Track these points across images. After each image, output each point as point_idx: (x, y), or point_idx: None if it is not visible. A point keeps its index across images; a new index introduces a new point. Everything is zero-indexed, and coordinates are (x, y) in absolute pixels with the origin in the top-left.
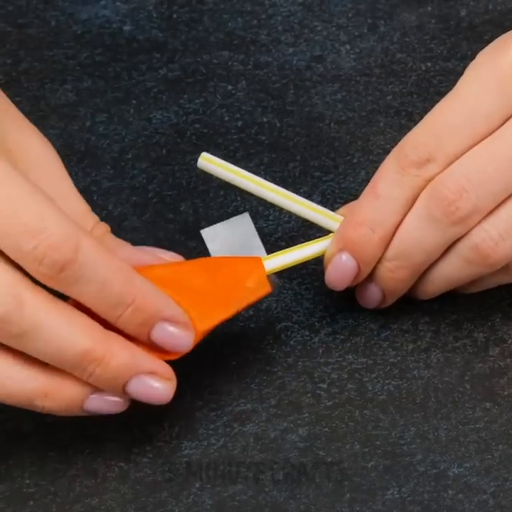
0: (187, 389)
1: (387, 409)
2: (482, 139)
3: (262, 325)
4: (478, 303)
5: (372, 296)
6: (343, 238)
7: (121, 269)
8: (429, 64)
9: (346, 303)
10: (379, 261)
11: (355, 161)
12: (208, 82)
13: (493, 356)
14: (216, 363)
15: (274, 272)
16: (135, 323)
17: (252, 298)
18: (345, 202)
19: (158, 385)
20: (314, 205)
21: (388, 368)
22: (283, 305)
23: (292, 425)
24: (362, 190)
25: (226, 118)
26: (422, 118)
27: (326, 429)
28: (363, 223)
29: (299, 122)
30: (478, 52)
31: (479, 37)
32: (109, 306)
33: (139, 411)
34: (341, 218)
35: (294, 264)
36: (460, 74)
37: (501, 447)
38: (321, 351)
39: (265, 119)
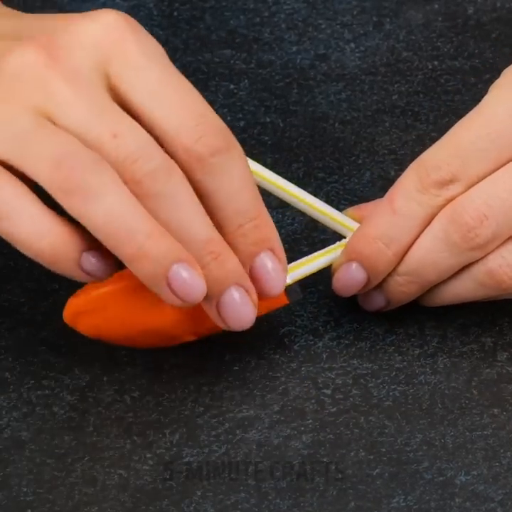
0: (188, 395)
1: (392, 416)
2: (507, 162)
3: (265, 329)
4: (486, 307)
5: (376, 302)
6: (356, 251)
7: (255, 186)
8: (435, 63)
9: (351, 307)
10: (389, 274)
11: (360, 161)
12: (210, 81)
13: (501, 361)
14: (218, 368)
15: (290, 285)
16: (250, 240)
17: (266, 310)
18: (350, 203)
19: (251, 305)
20: (321, 204)
21: (394, 373)
22: (286, 309)
23: (296, 432)
24: (367, 192)
25: (228, 118)
26: (428, 118)
27: (330, 435)
28: (378, 238)
29: (303, 122)
30: (486, 50)
31: (487, 35)
32: (237, 211)
33: (139, 418)
34: (348, 220)
35: (309, 274)
36: (467, 72)
37: (509, 454)
38: (325, 356)
39: (268, 119)
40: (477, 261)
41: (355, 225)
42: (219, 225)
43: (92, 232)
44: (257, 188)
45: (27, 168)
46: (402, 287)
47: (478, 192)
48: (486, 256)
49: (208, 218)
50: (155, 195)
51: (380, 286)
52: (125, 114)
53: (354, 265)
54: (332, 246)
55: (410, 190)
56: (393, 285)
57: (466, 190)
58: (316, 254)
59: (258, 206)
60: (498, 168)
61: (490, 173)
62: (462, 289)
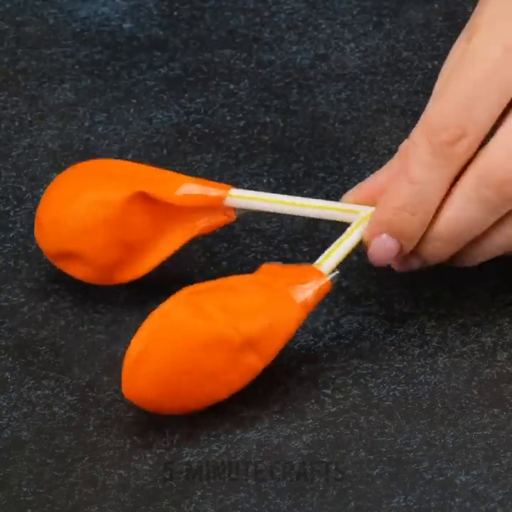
0: None
1: (392, 416)
2: (511, 100)
3: None
4: (486, 306)
5: (412, 264)
6: (382, 223)
7: None
8: (435, 62)
9: (351, 307)
10: (424, 239)
11: (360, 161)
12: (210, 81)
13: (501, 361)
14: None
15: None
16: None
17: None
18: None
19: None
20: (320, 201)
21: (394, 373)
22: None
23: (296, 432)
24: None
25: (228, 118)
26: None
27: (331, 435)
28: (402, 208)
29: (303, 122)
30: None
31: None
32: None
33: (139, 418)
34: (351, 206)
35: (345, 257)
36: None
37: (509, 454)
38: (325, 356)
39: (268, 119)
40: (508, 213)
41: (358, 208)
42: None
43: None
44: None
45: None
46: (438, 250)
47: (498, 145)
48: None
49: None
50: None
51: (415, 251)
52: None
53: (384, 236)
54: (354, 223)
55: (423, 155)
56: (429, 249)
57: (478, 140)
58: (342, 237)
59: None
60: (504, 109)
61: (497, 116)
62: (494, 246)
